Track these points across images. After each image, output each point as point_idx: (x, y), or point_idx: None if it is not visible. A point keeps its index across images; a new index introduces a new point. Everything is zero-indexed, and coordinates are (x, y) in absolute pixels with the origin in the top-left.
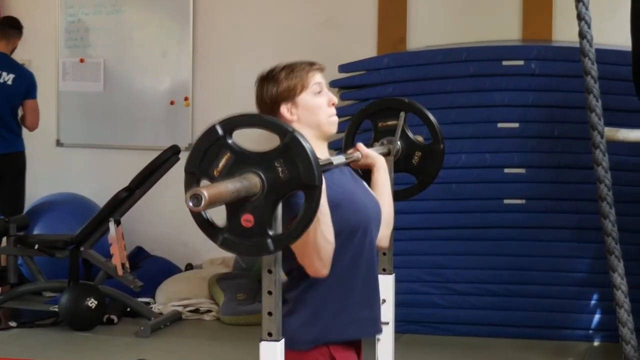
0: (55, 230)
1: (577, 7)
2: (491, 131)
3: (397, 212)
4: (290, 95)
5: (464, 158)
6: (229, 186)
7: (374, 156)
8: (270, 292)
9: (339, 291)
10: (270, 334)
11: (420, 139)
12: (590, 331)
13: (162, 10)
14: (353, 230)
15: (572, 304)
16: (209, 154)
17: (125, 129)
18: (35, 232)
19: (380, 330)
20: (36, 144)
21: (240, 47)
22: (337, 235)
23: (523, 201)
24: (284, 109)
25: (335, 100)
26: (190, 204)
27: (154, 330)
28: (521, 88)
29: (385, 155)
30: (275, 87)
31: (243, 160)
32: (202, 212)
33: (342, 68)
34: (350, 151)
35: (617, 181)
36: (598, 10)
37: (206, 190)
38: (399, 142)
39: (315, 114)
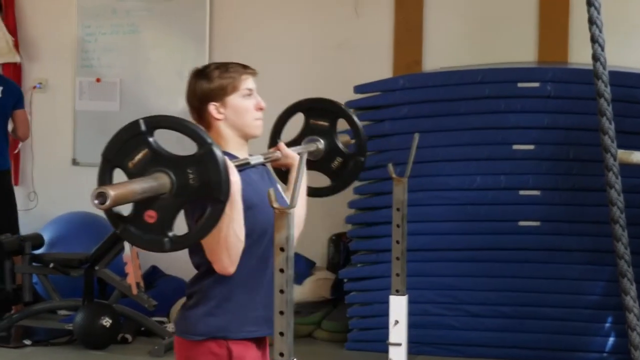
0: (71, 248)
1: (590, 29)
2: (506, 153)
3: (411, 234)
4: (220, 95)
5: (479, 180)
6: (137, 187)
7: (293, 156)
8: (282, 312)
9: (244, 290)
10: (282, 354)
11: (345, 143)
12: (605, 354)
13: (178, 30)
14: (262, 232)
15: (586, 327)
16: (128, 145)
17: None
18: (51, 250)
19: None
20: (52, 163)
21: (256, 67)
22: (247, 236)
23: (538, 223)
24: (212, 107)
25: (264, 104)
26: (95, 201)
27: (167, 349)
28: (536, 110)
29: (314, 155)
30: (208, 84)
31: (158, 159)
32: (112, 210)
33: (358, 89)
34: (271, 150)
35: (631, 204)
36: (615, 33)
37: (112, 189)
38: (323, 143)
39: (242, 116)
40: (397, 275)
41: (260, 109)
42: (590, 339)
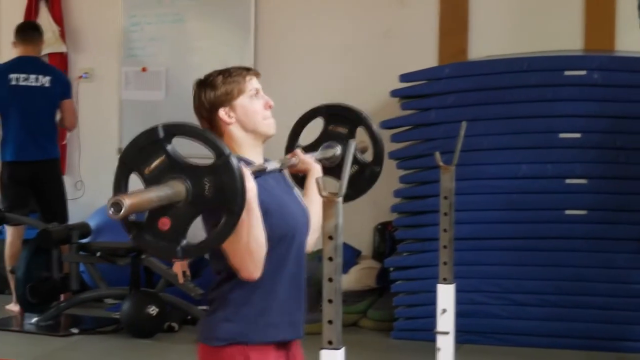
0: (117, 238)
1: (639, 16)
2: (553, 142)
3: (457, 222)
4: (227, 99)
5: (525, 168)
6: (152, 196)
7: (310, 163)
8: (330, 301)
9: (261, 295)
10: (330, 342)
11: (362, 150)
12: None
13: (223, 20)
14: (280, 238)
15: (634, 316)
16: (146, 151)
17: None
18: (98, 239)
19: (300, 335)
20: (98, 152)
21: (301, 57)
22: (266, 242)
23: (584, 212)
24: (222, 113)
25: (272, 102)
26: (110, 211)
27: None
28: (583, 98)
29: (327, 159)
30: (213, 92)
31: (175, 167)
32: (128, 217)
33: (403, 78)
34: (288, 156)
35: None
36: None
37: (128, 199)
38: (340, 150)
39: (252, 116)
40: (445, 263)
41: (270, 107)
42: (637, 327)
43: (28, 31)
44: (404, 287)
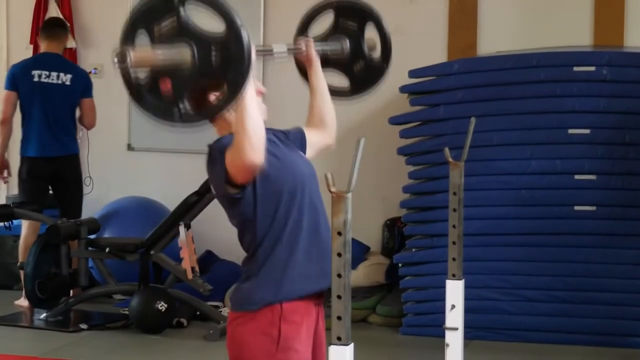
0: (126, 233)
1: None
2: (562, 137)
3: (466, 218)
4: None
5: (534, 164)
6: (159, 54)
7: (314, 59)
8: (339, 297)
9: (285, 252)
10: (339, 338)
11: (372, 48)
12: None
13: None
14: (290, 190)
15: None
16: (158, 10)
17: (196, 133)
18: (106, 235)
19: (329, 284)
20: (108, 149)
21: None
22: (278, 195)
23: (593, 208)
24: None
25: (263, 89)
26: (115, 60)
27: (223, 334)
28: (592, 94)
29: (337, 54)
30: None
31: (185, 32)
32: (129, 72)
33: (412, 73)
34: (298, 40)
35: None
36: None
37: (134, 52)
38: (348, 44)
39: None
40: (454, 259)
41: (261, 94)
42: None
43: (53, 27)
44: (413, 283)
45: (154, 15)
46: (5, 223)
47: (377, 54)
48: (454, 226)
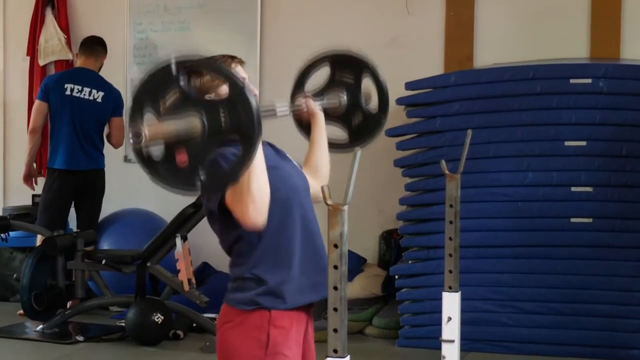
0: (123, 245)
1: None
2: (558, 149)
3: (463, 230)
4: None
5: (531, 176)
6: (171, 126)
7: (317, 114)
8: (336, 309)
9: (279, 262)
10: (335, 351)
11: (368, 100)
12: None
13: (229, 27)
14: (283, 201)
15: (639, 324)
16: (160, 88)
17: None
18: (103, 247)
19: (324, 296)
20: (105, 160)
21: None
22: (271, 208)
23: (590, 220)
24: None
25: (256, 91)
26: (131, 141)
27: None
28: (589, 106)
29: (333, 108)
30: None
31: (190, 102)
32: (143, 150)
33: (409, 85)
34: (298, 98)
35: None
36: None
37: (148, 129)
38: (345, 98)
39: None
40: (450, 272)
41: (254, 95)
42: None
43: (92, 45)
44: (410, 294)
45: (157, 93)
46: (2, 235)
47: (374, 104)
48: (450, 238)
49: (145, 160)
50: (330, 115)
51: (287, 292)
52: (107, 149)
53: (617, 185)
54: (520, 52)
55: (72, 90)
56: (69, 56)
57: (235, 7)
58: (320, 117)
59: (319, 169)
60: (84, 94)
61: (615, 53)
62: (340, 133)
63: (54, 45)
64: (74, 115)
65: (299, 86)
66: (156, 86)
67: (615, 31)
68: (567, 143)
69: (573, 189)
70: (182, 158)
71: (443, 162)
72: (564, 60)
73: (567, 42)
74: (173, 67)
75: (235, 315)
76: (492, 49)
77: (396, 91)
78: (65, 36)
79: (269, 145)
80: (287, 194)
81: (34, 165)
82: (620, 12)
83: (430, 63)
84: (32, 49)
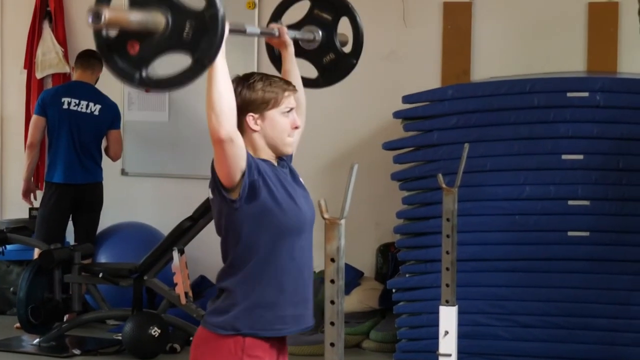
0: (120, 258)
1: None
2: (555, 163)
3: (460, 244)
4: (261, 107)
5: (528, 190)
6: (132, 17)
7: (289, 44)
8: (332, 323)
9: (269, 289)
10: None
11: (344, 43)
12: None
13: (227, 40)
14: (288, 231)
15: (636, 338)
16: None
17: (189, 158)
18: (100, 260)
19: (308, 328)
20: (102, 174)
21: None
22: (275, 235)
23: (587, 233)
24: (250, 118)
25: (299, 123)
26: (89, 19)
27: None
28: (586, 120)
29: (307, 42)
30: (250, 94)
31: None
32: (102, 32)
33: (406, 99)
34: (272, 25)
35: None
36: None
37: (109, 11)
38: (320, 35)
39: (278, 132)
40: (447, 285)
41: (296, 127)
42: (639, 349)
43: (88, 58)
44: (407, 308)
45: None
46: None
47: (348, 48)
48: (447, 252)
49: (101, 41)
50: (303, 49)
51: (268, 320)
52: (105, 162)
53: (614, 199)
54: (518, 65)
55: (69, 104)
56: (67, 69)
57: (233, 20)
58: (290, 48)
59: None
60: (82, 108)
61: (612, 67)
62: (310, 70)
63: (51, 58)
64: (71, 129)
65: (276, 17)
66: None
67: (612, 45)
68: (564, 156)
69: (570, 202)
70: (133, 50)
71: (440, 176)
72: (561, 73)
73: (564, 55)
74: None
75: (209, 340)
76: (490, 63)
77: (393, 104)
78: (63, 49)
79: (289, 170)
80: (294, 225)
81: (32, 180)
82: (618, 26)
83: (428, 76)
84: (30, 62)
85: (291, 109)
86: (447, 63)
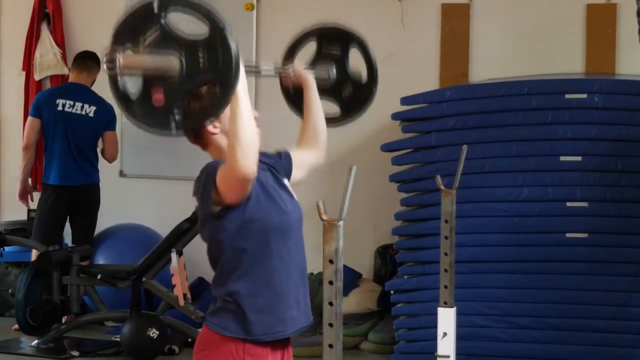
0: (118, 260)
1: None
2: (554, 164)
3: (458, 245)
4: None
5: (526, 191)
6: (147, 61)
7: (306, 76)
8: (331, 325)
9: (264, 292)
10: None
11: (360, 73)
12: None
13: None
14: (276, 231)
15: (635, 339)
16: (141, 25)
17: (187, 160)
18: (98, 262)
19: (305, 326)
20: (100, 175)
21: None
22: (261, 236)
23: (585, 235)
24: (208, 124)
25: (257, 114)
26: (105, 65)
27: None
28: (584, 121)
29: (323, 81)
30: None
31: (170, 41)
32: (119, 80)
33: (404, 100)
34: (286, 64)
35: None
36: None
37: (123, 57)
38: (334, 70)
39: None
40: (445, 287)
41: (255, 118)
42: (637, 351)
43: (85, 59)
44: (405, 310)
45: (138, 32)
46: None
47: (364, 76)
48: (445, 254)
49: (121, 93)
50: (321, 90)
51: (264, 325)
52: (102, 163)
53: (612, 201)
54: (516, 67)
55: (64, 105)
56: (65, 71)
57: (231, 22)
58: (310, 80)
59: (318, 134)
60: (76, 109)
61: (610, 68)
62: (332, 107)
63: (49, 60)
64: (66, 130)
65: (288, 61)
66: (137, 22)
67: (610, 46)
68: (562, 158)
69: (568, 204)
70: (158, 97)
71: (438, 178)
72: (560, 75)
73: (563, 57)
74: (155, 4)
75: (212, 342)
76: (488, 64)
77: (392, 106)
78: (61, 51)
79: (270, 172)
80: (280, 225)
81: (29, 181)
82: (616, 27)
83: (426, 78)
84: (28, 64)
85: None
86: (445, 65)
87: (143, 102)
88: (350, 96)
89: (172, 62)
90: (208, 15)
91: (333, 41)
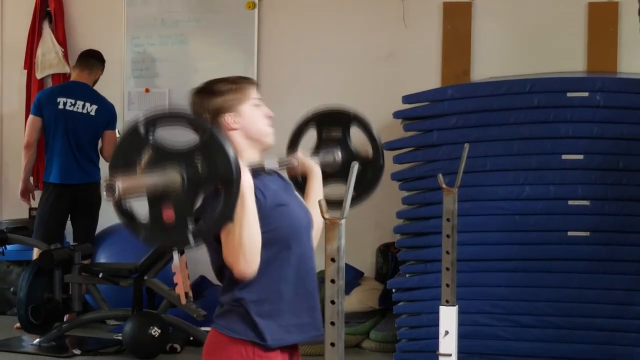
0: (119, 258)
1: None
2: (555, 163)
3: (460, 244)
4: (234, 105)
5: (528, 190)
6: (146, 181)
7: (311, 165)
8: (333, 323)
9: (271, 299)
10: None
11: (364, 151)
12: None
13: (226, 41)
14: (285, 239)
15: (636, 338)
16: (132, 151)
17: None
18: (100, 260)
19: (310, 337)
20: (102, 173)
21: (304, 78)
22: (269, 244)
23: (587, 233)
24: (229, 118)
25: (271, 113)
26: (104, 193)
27: None
28: (586, 120)
29: (328, 165)
30: (218, 97)
31: (164, 156)
32: (122, 204)
33: (406, 99)
34: (288, 157)
35: None
36: None
37: (121, 181)
38: (339, 153)
39: (257, 123)
40: (447, 285)
41: (270, 117)
42: (639, 349)
43: (87, 58)
44: (407, 308)
45: (132, 158)
46: None
47: (369, 152)
48: (447, 252)
49: (127, 217)
50: (330, 174)
51: (270, 330)
52: (104, 162)
53: (614, 199)
54: (517, 65)
55: (65, 104)
56: (67, 69)
57: (233, 21)
58: (315, 168)
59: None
60: (77, 108)
61: (612, 66)
62: (342, 189)
63: (51, 58)
64: (67, 129)
65: (292, 151)
66: (128, 148)
67: (612, 45)
68: (564, 156)
69: (570, 202)
70: (169, 214)
71: (440, 176)
72: (561, 73)
73: (564, 55)
74: (140, 128)
75: (220, 344)
76: (489, 63)
77: (393, 105)
78: (63, 49)
79: (278, 177)
80: (289, 233)
81: (31, 179)
82: (617, 26)
83: (428, 77)
84: (30, 63)
85: (260, 101)
86: (447, 63)
87: (154, 223)
88: (361, 174)
89: (172, 176)
90: (193, 123)
91: (332, 124)
